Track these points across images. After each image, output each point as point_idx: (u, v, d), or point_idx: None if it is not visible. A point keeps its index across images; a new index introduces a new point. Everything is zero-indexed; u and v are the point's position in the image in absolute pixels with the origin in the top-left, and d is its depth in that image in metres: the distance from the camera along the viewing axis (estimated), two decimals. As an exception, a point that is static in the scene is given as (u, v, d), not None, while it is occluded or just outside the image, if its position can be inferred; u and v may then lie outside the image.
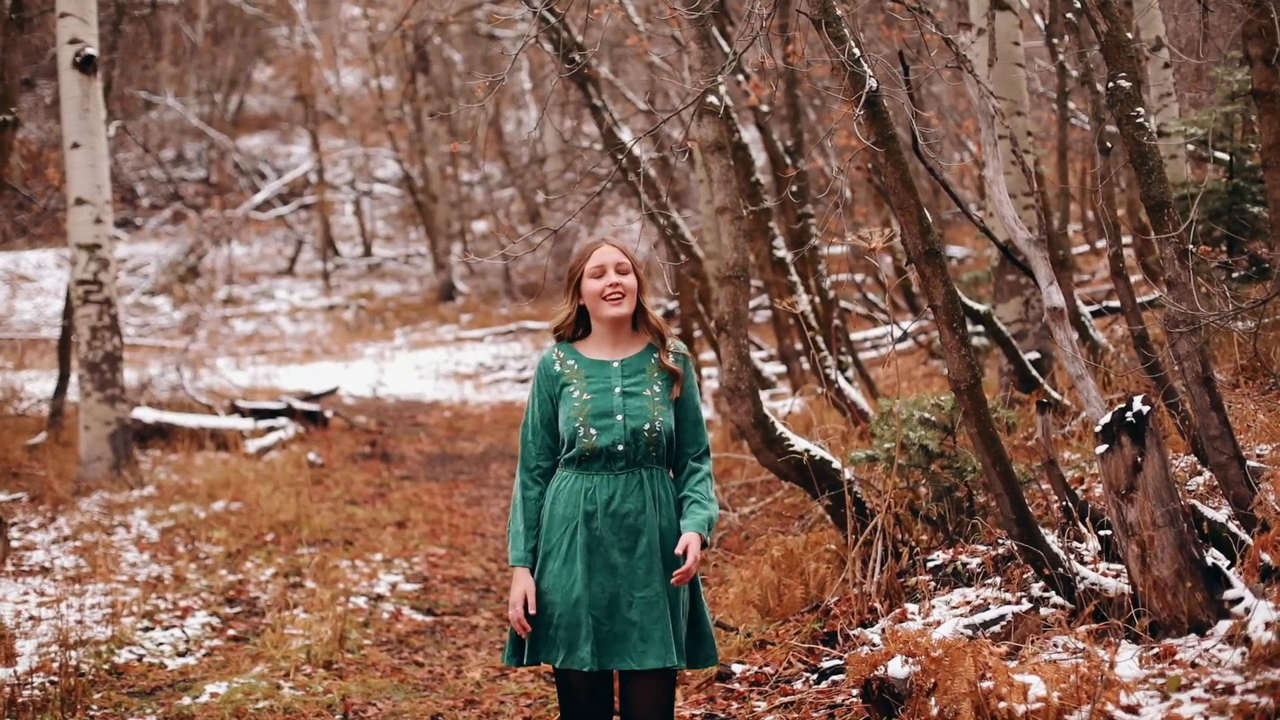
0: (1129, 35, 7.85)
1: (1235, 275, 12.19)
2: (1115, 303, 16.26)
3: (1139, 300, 12.15)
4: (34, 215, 21.07)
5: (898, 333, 11.67)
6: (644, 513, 5.74)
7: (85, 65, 14.40)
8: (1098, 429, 6.64)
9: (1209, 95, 13.43)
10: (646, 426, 5.76)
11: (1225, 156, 12.66)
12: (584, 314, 5.96)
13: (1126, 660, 6.21)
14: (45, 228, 24.95)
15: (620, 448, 5.75)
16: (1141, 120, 7.41)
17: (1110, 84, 7.56)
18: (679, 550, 5.65)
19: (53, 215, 19.94)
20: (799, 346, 16.09)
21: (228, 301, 34.87)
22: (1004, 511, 7.35)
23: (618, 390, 5.81)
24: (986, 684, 5.93)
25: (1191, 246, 7.21)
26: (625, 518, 5.73)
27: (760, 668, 8.16)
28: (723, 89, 10.75)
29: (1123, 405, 6.56)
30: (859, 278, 23.29)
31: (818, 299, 14.59)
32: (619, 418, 5.77)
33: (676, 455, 5.96)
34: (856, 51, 6.90)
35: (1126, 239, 16.55)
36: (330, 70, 41.64)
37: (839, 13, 6.91)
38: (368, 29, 37.90)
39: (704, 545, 5.74)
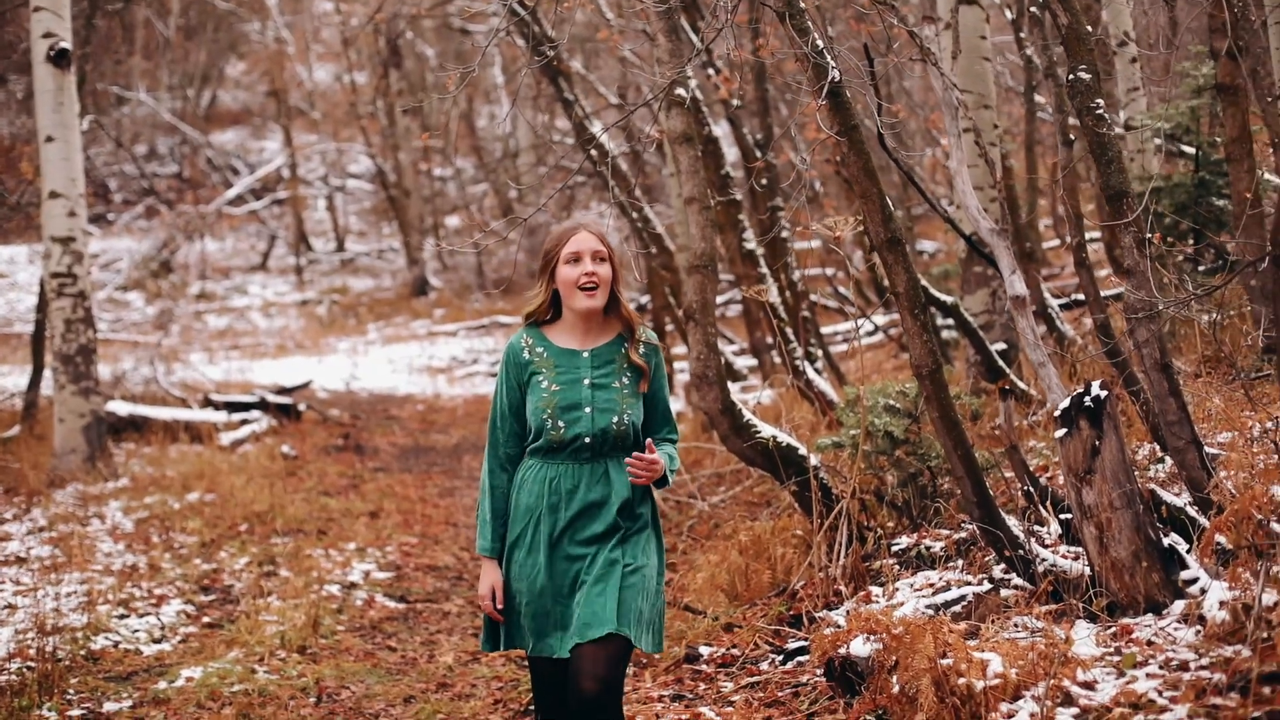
0: (1090, 29, 7.98)
1: (1201, 268, 12.33)
2: (1082, 295, 16.41)
3: (1106, 293, 12.30)
4: (6, 210, 21.09)
5: (866, 324, 11.78)
6: (609, 502, 5.64)
7: (59, 59, 14.46)
8: (1057, 413, 6.77)
9: (1176, 89, 13.56)
10: (615, 420, 5.66)
11: (1192, 150, 12.78)
12: (556, 298, 5.80)
13: (1084, 639, 6.34)
14: (17, 223, 24.94)
15: (587, 440, 5.65)
16: (1101, 112, 7.55)
17: (1071, 76, 7.69)
18: (647, 445, 5.63)
19: (25, 210, 19.95)
20: (769, 340, 16.21)
21: (201, 297, 34.87)
22: (965, 494, 7.48)
23: (587, 382, 5.70)
24: (946, 661, 6.06)
25: (1150, 235, 7.35)
26: (590, 508, 5.64)
27: (728, 649, 8.28)
28: (692, 82, 10.87)
29: (1081, 390, 6.69)
30: (830, 272, 23.44)
31: (787, 292, 14.71)
32: (587, 410, 5.65)
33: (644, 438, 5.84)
34: (820, 43, 7.02)
35: (1095, 233, 16.69)
36: (303, 65, 41.61)
37: (802, 5, 7.03)
38: (340, 24, 37.90)
39: (664, 483, 5.73)
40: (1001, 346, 12.93)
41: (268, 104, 43.81)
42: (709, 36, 8.52)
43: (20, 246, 32.77)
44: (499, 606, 5.70)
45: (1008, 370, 12.30)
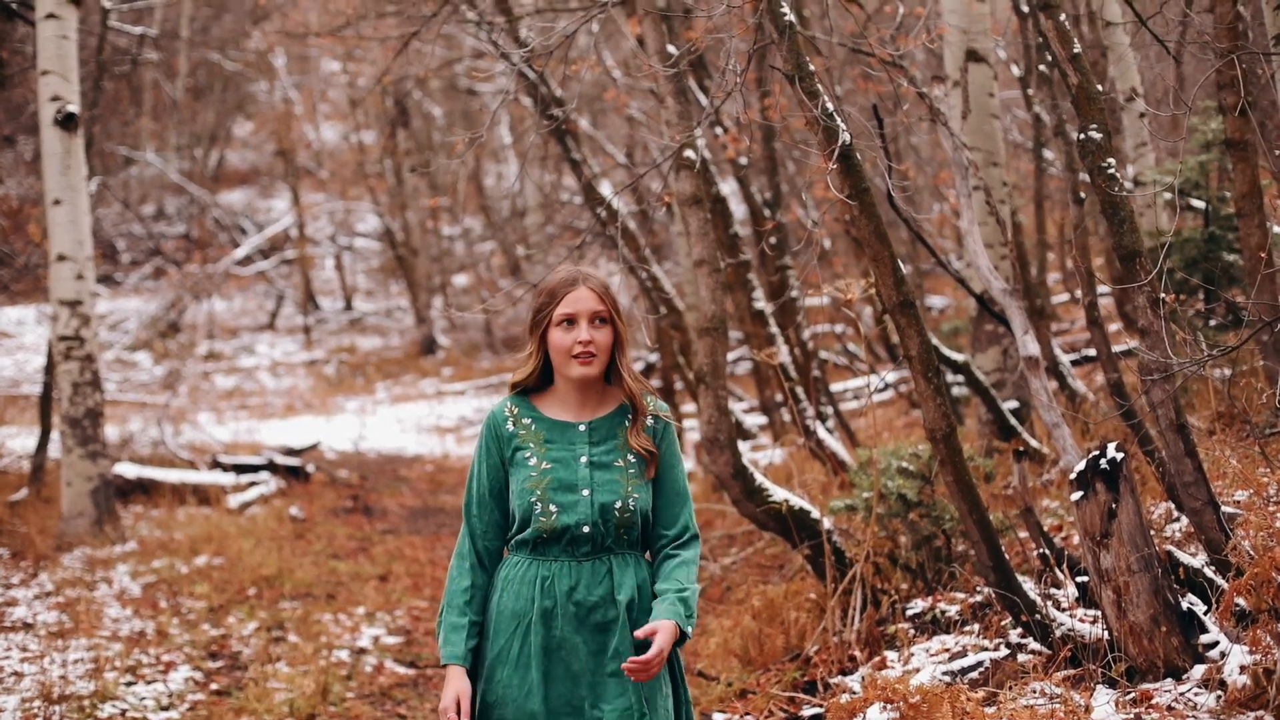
0: (1100, 87, 7.95)
1: (1213, 324, 12.28)
2: (1094, 351, 16.36)
3: (1118, 349, 12.26)
4: (14, 272, 21.10)
5: (877, 382, 11.74)
6: (613, 606, 4.82)
7: (67, 123, 14.46)
8: (1073, 476, 6.71)
9: (1185, 144, 13.55)
10: (618, 504, 4.83)
11: (1201, 205, 12.76)
12: (548, 361, 4.99)
13: (1103, 705, 6.27)
14: (25, 284, 24.99)
15: (585, 530, 4.81)
16: (1112, 171, 7.50)
17: (1082, 135, 7.65)
18: (641, 634, 4.71)
19: (33, 272, 19.97)
20: (780, 398, 16.16)
21: (209, 357, 34.85)
22: (980, 559, 7.41)
23: (584, 459, 4.88)
24: (965, 730, 5.99)
25: (1164, 295, 7.29)
26: (591, 612, 4.80)
27: (741, 716, 8.19)
28: (701, 142, 10.85)
29: (1097, 452, 6.63)
30: (839, 329, 23.39)
31: (797, 350, 14.68)
32: (585, 493, 4.83)
33: (653, 538, 5.01)
34: (830, 106, 6.99)
35: (1105, 288, 16.67)
36: (310, 125, 41.73)
37: (812, 68, 7.00)
38: (348, 84, 38.00)
39: (683, 639, 4.82)
40: (1014, 405, 12.87)
41: (275, 164, 43.90)
42: (717, 97, 8.49)
43: (28, 308, 32.80)
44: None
45: (1020, 429, 12.24)
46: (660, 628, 4.71)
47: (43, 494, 16.39)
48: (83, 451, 14.47)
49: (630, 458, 4.90)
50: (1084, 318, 19.72)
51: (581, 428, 4.93)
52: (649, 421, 4.98)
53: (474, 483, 4.99)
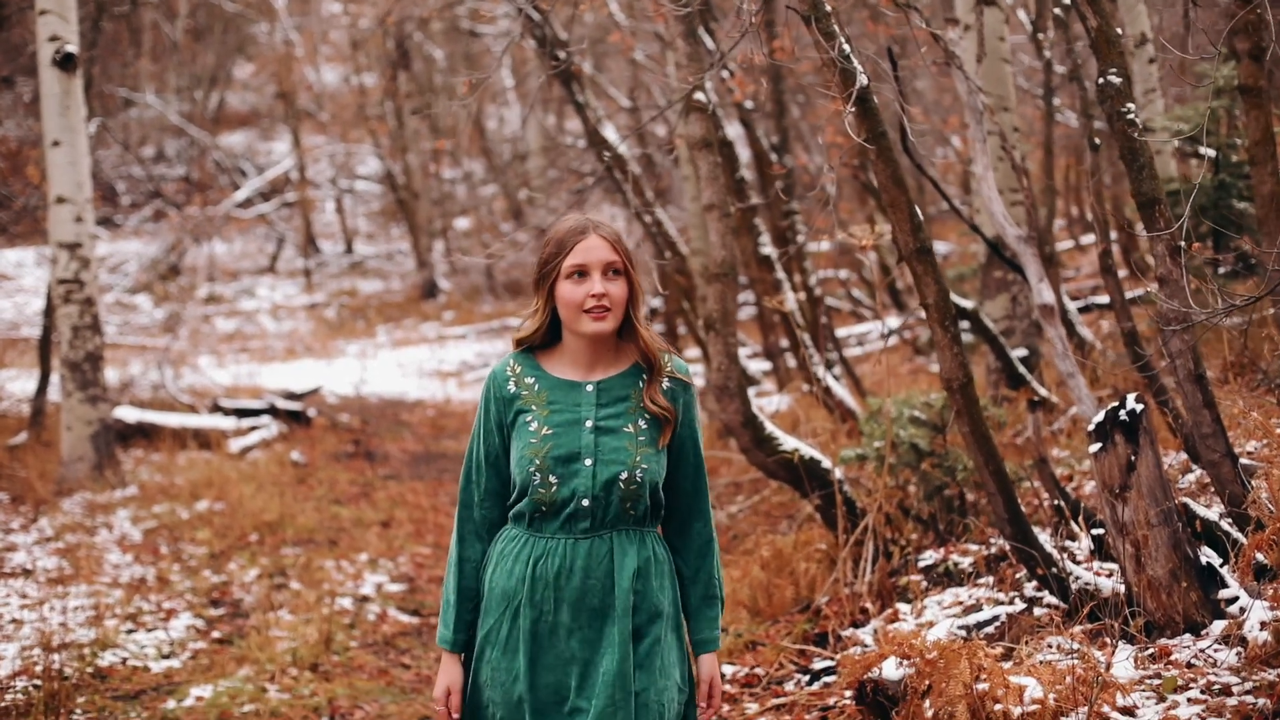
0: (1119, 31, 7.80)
1: (1222, 271, 12.17)
2: (1100, 299, 16.25)
3: (1129, 294, 12.15)
4: (13, 213, 20.95)
5: (885, 329, 11.65)
6: (611, 591, 4.43)
7: (65, 63, 14.28)
8: (1090, 428, 6.59)
9: (1194, 90, 13.40)
10: (623, 475, 4.41)
11: (1211, 152, 12.63)
12: (555, 316, 4.56)
13: (1122, 661, 6.16)
14: (25, 226, 24.81)
15: (585, 503, 4.41)
16: (1132, 116, 7.36)
17: (1100, 79, 7.50)
18: (702, 694, 4.62)
19: (32, 213, 19.82)
20: (785, 343, 16.05)
21: (209, 300, 34.71)
22: (997, 511, 7.29)
23: (589, 424, 4.46)
24: (982, 686, 5.88)
25: (1183, 243, 7.16)
26: (585, 596, 4.43)
27: (751, 669, 8.10)
28: (708, 85, 10.70)
29: (1116, 404, 6.51)
30: (843, 274, 23.28)
31: (804, 296, 14.55)
32: (588, 462, 4.42)
33: (670, 510, 4.64)
34: (847, 48, 6.83)
35: (1113, 234, 16.53)
36: (311, 67, 41.49)
37: (828, 8, 6.84)
38: (349, 25, 37.78)
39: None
40: (1023, 352, 12.76)
41: (276, 106, 43.67)
42: (727, 40, 8.33)
43: (28, 250, 32.65)
44: (456, 716, 4.60)
45: (1029, 377, 12.13)
46: (712, 671, 4.64)
47: (42, 438, 16.30)
48: (82, 395, 14.36)
49: (641, 423, 4.50)
50: (1088, 265, 19.58)
51: (589, 388, 4.52)
52: (666, 384, 4.57)
53: (473, 447, 4.64)
